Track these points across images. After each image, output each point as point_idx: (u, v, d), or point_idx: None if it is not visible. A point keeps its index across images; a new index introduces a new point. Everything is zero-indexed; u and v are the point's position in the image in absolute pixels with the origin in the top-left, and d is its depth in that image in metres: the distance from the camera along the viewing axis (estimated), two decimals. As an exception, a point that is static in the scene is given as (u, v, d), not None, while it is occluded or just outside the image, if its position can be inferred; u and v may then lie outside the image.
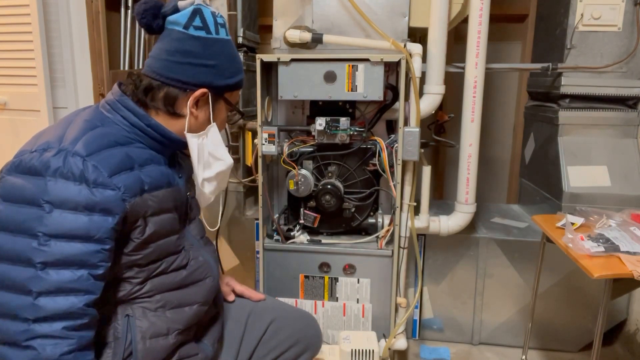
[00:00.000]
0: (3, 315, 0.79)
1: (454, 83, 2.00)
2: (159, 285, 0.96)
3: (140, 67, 2.29)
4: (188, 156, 1.04)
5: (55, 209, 0.80)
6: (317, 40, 1.61)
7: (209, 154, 1.02)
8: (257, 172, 1.70)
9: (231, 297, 1.27)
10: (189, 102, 0.96)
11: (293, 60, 1.55)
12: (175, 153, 1.05)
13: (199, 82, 0.95)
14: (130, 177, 0.86)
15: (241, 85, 1.05)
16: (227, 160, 1.05)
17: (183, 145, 1.00)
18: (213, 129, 1.01)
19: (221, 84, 0.98)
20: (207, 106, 0.99)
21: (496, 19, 2.28)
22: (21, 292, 0.79)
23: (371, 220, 1.73)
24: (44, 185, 0.80)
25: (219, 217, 1.71)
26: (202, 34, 0.94)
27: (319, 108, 1.69)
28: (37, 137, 0.88)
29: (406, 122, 1.61)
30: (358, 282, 1.69)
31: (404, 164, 1.60)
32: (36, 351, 0.78)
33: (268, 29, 1.96)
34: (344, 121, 1.58)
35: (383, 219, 1.72)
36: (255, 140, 1.67)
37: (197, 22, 0.94)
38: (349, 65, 1.54)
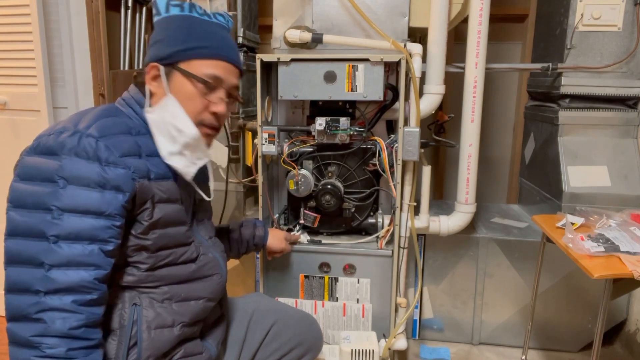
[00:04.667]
0: (15, 290, 0.82)
1: (454, 83, 2.00)
2: (168, 276, 0.98)
3: (140, 67, 2.29)
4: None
5: (69, 185, 0.84)
6: (317, 40, 1.61)
7: (172, 127, 0.97)
8: (257, 172, 1.70)
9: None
10: (147, 81, 1.00)
11: (293, 60, 1.55)
12: None
13: (150, 59, 1.00)
14: (139, 162, 0.91)
15: (199, 53, 0.98)
16: (188, 131, 0.97)
17: None
18: (169, 101, 0.98)
19: (166, 53, 0.98)
20: (161, 80, 0.99)
21: (496, 19, 2.28)
22: (34, 265, 0.82)
23: (371, 220, 1.73)
24: (59, 162, 0.84)
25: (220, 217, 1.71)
26: (156, 17, 1.01)
27: (319, 108, 1.69)
28: (54, 124, 0.93)
29: (406, 122, 1.61)
30: (358, 282, 1.69)
31: (404, 164, 1.60)
32: (46, 324, 0.80)
33: (268, 29, 1.96)
34: (344, 121, 1.58)
35: (383, 219, 1.72)
36: (255, 140, 1.67)
37: (154, 8, 1.01)
38: (349, 65, 1.54)
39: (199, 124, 0.99)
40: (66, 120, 0.93)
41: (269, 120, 1.76)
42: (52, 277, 0.81)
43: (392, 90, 1.66)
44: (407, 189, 1.64)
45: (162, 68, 0.98)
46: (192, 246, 1.03)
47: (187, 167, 0.99)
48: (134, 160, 0.90)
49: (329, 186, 1.63)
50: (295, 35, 1.60)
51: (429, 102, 1.69)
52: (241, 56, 2.02)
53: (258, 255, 1.95)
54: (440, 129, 1.95)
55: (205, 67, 0.98)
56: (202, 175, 1.18)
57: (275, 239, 1.49)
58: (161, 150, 0.97)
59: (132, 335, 0.94)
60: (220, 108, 1.00)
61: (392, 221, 1.64)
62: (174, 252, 0.98)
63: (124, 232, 0.90)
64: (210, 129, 1.02)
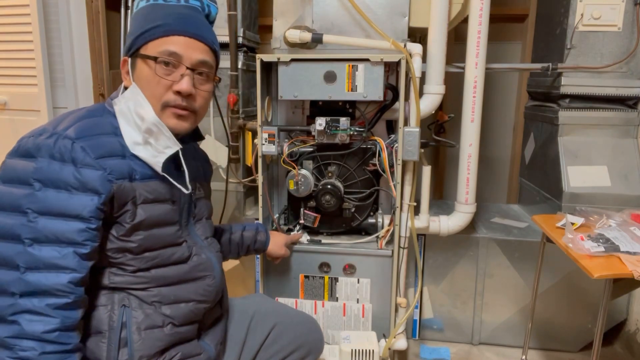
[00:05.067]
0: None
1: (454, 83, 2.00)
2: (158, 278, 0.96)
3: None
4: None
5: (44, 188, 0.84)
6: (317, 40, 1.61)
7: (136, 115, 0.94)
8: (257, 172, 1.70)
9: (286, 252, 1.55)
10: (122, 77, 1.00)
11: (293, 60, 1.55)
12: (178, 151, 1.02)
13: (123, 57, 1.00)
14: (120, 163, 0.90)
15: (153, 33, 0.95)
16: (147, 116, 0.93)
17: (179, 139, 1.00)
18: (132, 90, 0.96)
19: (129, 44, 0.97)
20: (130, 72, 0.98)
21: (496, 19, 2.28)
22: (10, 267, 0.82)
23: (371, 220, 1.73)
24: (35, 165, 0.84)
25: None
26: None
27: (319, 108, 1.69)
28: (38, 127, 0.92)
29: (406, 122, 1.61)
30: (358, 282, 1.69)
31: (404, 164, 1.60)
32: (20, 326, 0.80)
33: (268, 29, 1.96)
34: (344, 121, 1.58)
35: (383, 219, 1.72)
36: (255, 140, 1.67)
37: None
38: (349, 65, 1.54)
39: (165, 106, 0.95)
40: (49, 121, 0.92)
41: (269, 120, 1.76)
42: (27, 279, 0.81)
43: (392, 90, 1.66)
44: (407, 189, 1.64)
45: (129, 60, 0.98)
46: (184, 246, 1.01)
47: (154, 157, 0.94)
48: (114, 161, 0.89)
49: (329, 186, 1.63)
50: (295, 35, 1.60)
51: (429, 102, 1.69)
52: (241, 56, 2.04)
53: (258, 256, 1.95)
54: (440, 129, 1.95)
55: (160, 46, 0.94)
56: (200, 173, 1.15)
57: (276, 245, 1.49)
58: (127, 141, 0.93)
59: (122, 337, 0.93)
60: (182, 86, 0.94)
61: (392, 221, 1.65)
62: (161, 254, 0.96)
63: (103, 234, 0.89)
64: (179, 109, 0.96)
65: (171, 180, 0.97)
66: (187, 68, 0.95)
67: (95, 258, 0.89)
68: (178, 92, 0.95)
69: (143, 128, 0.93)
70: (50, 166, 0.84)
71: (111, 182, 0.87)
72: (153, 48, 0.95)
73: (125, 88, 0.99)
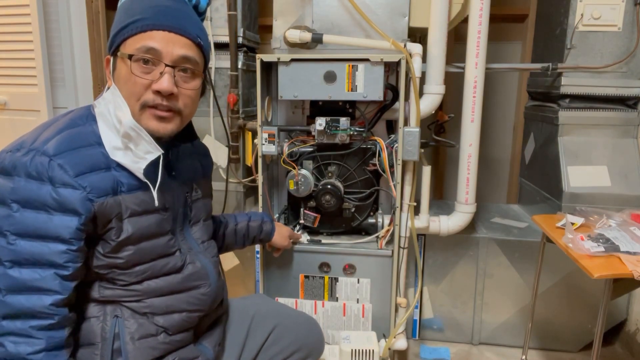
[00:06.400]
0: None
1: (454, 83, 2.00)
2: (149, 290, 0.93)
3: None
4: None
5: (21, 209, 0.81)
6: (317, 40, 1.61)
7: (116, 118, 0.88)
8: (257, 172, 1.70)
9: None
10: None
11: (293, 60, 1.55)
12: (168, 154, 1.00)
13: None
14: (103, 177, 0.85)
15: (131, 29, 0.88)
16: (124, 120, 0.87)
17: (168, 143, 0.97)
18: (112, 91, 0.90)
19: (110, 41, 0.92)
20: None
21: (496, 19, 2.28)
22: None
23: (371, 220, 1.73)
24: (12, 185, 0.81)
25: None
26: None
27: (319, 108, 1.69)
28: (20, 137, 0.88)
29: (406, 122, 1.62)
30: (358, 282, 1.69)
31: (404, 164, 1.60)
32: (4, 348, 0.79)
33: (268, 29, 1.96)
34: (344, 121, 1.58)
35: (383, 219, 1.72)
36: (255, 140, 1.67)
37: None
38: (349, 65, 1.54)
39: (144, 106, 0.89)
40: (31, 132, 0.88)
41: (269, 120, 1.76)
42: (8, 302, 0.80)
43: (392, 90, 1.66)
44: (407, 189, 1.64)
45: (111, 59, 0.92)
46: (177, 256, 0.97)
47: (135, 163, 0.88)
48: (96, 177, 0.84)
49: (329, 186, 1.63)
50: (295, 35, 1.60)
51: (429, 102, 1.69)
52: (241, 56, 2.04)
53: (258, 255, 1.95)
54: (440, 129, 1.95)
55: (138, 42, 0.87)
56: (198, 171, 1.11)
57: (281, 236, 1.48)
58: (106, 146, 0.88)
59: (115, 348, 0.91)
60: (162, 85, 0.87)
61: (392, 221, 1.65)
62: (153, 266, 0.93)
63: (88, 251, 0.86)
64: (160, 110, 0.90)
65: (152, 188, 0.91)
66: (167, 65, 0.88)
67: (80, 277, 0.86)
68: (158, 92, 0.88)
69: (121, 132, 0.87)
70: (27, 186, 0.80)
71: (92, 201, 0.83)
72: (131, 45, 0.88)
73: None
